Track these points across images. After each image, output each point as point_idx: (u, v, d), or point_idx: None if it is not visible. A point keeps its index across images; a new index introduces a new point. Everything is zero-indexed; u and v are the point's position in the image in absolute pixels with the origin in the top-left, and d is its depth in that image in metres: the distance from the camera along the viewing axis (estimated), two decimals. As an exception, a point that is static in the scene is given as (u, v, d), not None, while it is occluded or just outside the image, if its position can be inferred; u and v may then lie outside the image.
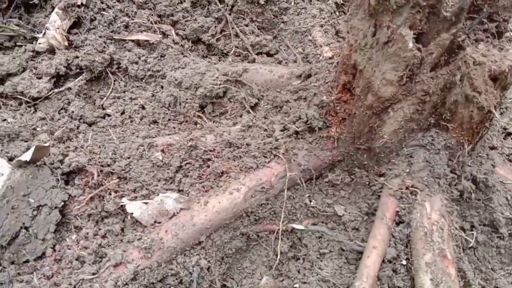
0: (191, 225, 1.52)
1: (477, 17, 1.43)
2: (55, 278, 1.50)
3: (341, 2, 2.72)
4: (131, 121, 2.12)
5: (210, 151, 1.78)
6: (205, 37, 2.45)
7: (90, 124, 2.11)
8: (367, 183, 1.62)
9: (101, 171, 1.78)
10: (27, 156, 1.60)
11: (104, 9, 2.32)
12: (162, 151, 1.82)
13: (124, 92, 2.24)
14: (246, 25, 2.58)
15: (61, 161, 1.77)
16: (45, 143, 1.75)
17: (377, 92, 1.37)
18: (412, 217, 1.46)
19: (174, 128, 2.06)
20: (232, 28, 2.54)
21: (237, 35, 2.55)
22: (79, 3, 2.26)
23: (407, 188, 1.49)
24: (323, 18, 2.56)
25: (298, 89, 1.87)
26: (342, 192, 1.67)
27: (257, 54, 2.51)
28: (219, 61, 2.47)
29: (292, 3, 2.61)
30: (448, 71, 1.31)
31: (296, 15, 2.58)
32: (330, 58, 2.23)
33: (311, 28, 2.50)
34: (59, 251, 1.62)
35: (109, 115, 2.15)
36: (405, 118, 1.41)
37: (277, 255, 1.62)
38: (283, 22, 2.60)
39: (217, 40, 2.49)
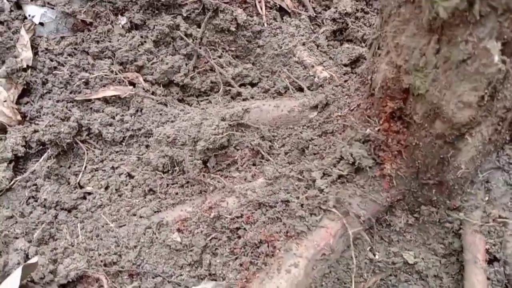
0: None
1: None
2: None
3: (314, 15, 2.51)
4: (120, 196, 1.74)
5: (237, 217, 1.46)
6: (177, 78, 2.13)
7: (69, 210, 1.71)
8: (437, 220, 1.39)
9: (108, 272, 1.40)
10: (13, 285, 1.19)
11: (55, 68, 1.93)
12: (178, 230, 1.48)
13: (102, 161, 1.86)
14: (220, 57, 2.29)
15: (53, 272, 1.37)
16: (27, 255, 1.34)
17: (451, 118, 1.14)
18: (508, 253, 1.24)
19: (177, 194, 1.71)
20: (206, 62, 2.24)
21: (212, 69, 2.25)
22: (24, 66, 1.85)
23: (494, 220, 1.27)
24: (302, 35, 2.33)
25: (320, 123, 1.61)
26: (408, 236, 1.43)
27: (240, 86, 2.23)
28: (198, 101, 2.16)
29: (265, 25, 2.35)
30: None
31: (272, 36, 2.32)
32: (328, 78, 2.00)
33: (293, 48, 2.26)
34: None
35: (90, 193, 1.76)
36: (483, 142, 1.19)
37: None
38: (259, 47, 2.33)
39: (192, 78, 2.18)
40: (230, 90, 2.20)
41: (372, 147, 1.37)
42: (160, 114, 1.85)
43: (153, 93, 2.08)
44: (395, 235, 1.43)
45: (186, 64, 2.18)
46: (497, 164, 1.28)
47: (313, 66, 2.12)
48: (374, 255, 1.39)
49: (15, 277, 1.19)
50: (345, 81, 1.77)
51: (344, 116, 1.54)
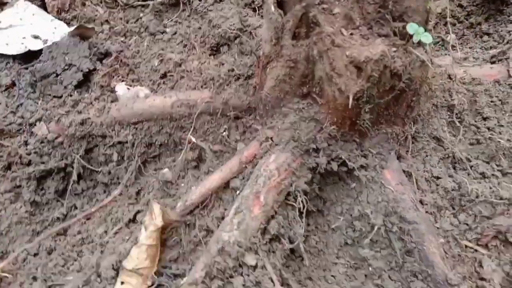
0: (130, 107, 2.04)
1: (382, 12, 1.53)
2: (50, 109, 2.22)
3: None
4: (174, 41, 2.70)
5: (188, 71, 2.24)
6: None
7: (150, 34, 2.77)
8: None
9: (121, 60, 2.43)
10: (72, 28, 2.35)
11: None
12: (161, 60, 2.37)
13: (185, 20, 2.83)
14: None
15: (102, 44, 2.48)
16: (91, 26, 2.47)
17: (263, 46, 1.62)
18: (259, 161, 1.69)
19: (194, 54, 2.56)
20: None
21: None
22: None
23: (266, 138, 1.71)
24: None
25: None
26: (249, 135, 1.95)
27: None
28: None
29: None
30: (307, 43, 1.47)
31: None
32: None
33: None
34: (71, 98, 2.35)
35: (166, 33, 2.78)
36: (278, 78, 1.62)
37: (184, 160, 2.03)
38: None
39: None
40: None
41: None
42: (222, 6, 2.66)
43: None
44: (246, 131, 1.96)
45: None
46: (294, 107, 1.64)
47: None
48: (224, 132, 1.98)
49: (75, 27, 2.34)
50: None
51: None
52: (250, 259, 1.53)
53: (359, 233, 1.69)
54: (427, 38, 1.43)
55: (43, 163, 2.11)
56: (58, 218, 2.13)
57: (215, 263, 1.50)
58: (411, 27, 1.44)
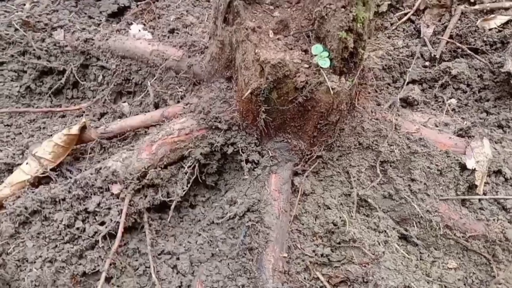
0: (122, 42, 2.34)
1: (307, 30, 1.62)
2: (75, 23, 2.61)
3: None
4: (210, 9, 2.96)
5: (189, 34, 2.48)
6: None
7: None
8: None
9: (151, 7, 2.76)
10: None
11: None
12: (177, 18, 2.64)
13: None
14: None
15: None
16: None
17: (209, 23, 1.80)
18: (172, 120, 1.88)
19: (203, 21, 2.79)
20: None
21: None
22: None
23: (187, 104, 1.88)
24: None
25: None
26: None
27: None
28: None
29: None
30: (230, 30, 1.62)
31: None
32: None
33: None
34: (95, 21, 2.72)
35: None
36: (212, 55, 1.78)
37: (146, 103, 2.29)
38: None
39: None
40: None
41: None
42: None
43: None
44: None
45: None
46: (218, 85, 1.80)
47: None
48: (181, 92, 2.19)
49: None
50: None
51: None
52: (116, 188, 1.74)
53: (224, 216, 1.81)
54: (324, 63, 1.49)
55: (49, 61, 2.52)
56: (41, 107, 2.54)
57: (88, 178, 1.75)
58: (316, 48, 1.51)
